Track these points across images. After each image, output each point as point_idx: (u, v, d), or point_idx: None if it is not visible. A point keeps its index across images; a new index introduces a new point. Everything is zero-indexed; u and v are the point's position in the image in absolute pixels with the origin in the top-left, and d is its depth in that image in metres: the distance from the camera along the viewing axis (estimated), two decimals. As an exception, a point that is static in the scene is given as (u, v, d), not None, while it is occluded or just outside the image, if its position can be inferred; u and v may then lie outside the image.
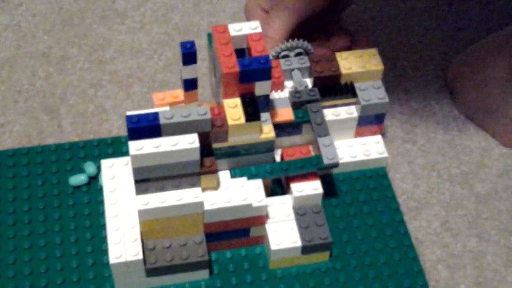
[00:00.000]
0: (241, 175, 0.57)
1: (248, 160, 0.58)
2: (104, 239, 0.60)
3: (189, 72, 0.59)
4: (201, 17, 0.80)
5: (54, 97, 0.72)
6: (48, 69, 0.74)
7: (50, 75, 0.74)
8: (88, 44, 0.77)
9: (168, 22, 0.79)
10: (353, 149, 0.65)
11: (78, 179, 0.63)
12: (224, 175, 0.57)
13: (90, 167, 0.63)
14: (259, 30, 0.57)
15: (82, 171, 0.64)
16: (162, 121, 0.52)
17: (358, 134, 0.65)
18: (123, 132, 0.70)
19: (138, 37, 0.78)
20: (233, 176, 0.57)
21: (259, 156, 0.58)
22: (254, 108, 0.55)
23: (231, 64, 0.54)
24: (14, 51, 0.76)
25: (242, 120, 0.55)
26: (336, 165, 0.57)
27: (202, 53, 0.75)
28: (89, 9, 0.80)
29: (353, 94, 0.63)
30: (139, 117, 0.53)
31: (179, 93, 0.61)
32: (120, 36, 0.78)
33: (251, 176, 0.57)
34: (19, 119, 0.70)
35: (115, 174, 0.58)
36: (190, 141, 0.52)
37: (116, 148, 0.65)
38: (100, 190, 0.63)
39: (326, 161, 0.57)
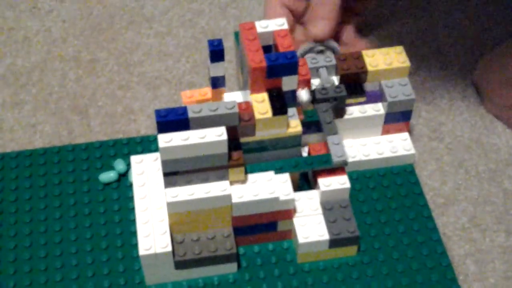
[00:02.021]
0: (259, 170, 0.57)
1: (275, 155, 0.58)
2: (133, 234, 0.60)
3: (216, 69, 0.60)
4: (227, 21, 0.81)
5: (84, 98, 0.73)
6: (77, 72, 0.76)
7: (80, 78, 0.75)
8: (116, 48, 0.78)
9: (194, 26, 0.81)
10: (380, 146, 0.65)
11: (108, 176, 0.64)
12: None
13: (119, 165, 0.64)
14: (286, 26, 0.58)
15: (112, 168, 0.65)
16: (190, 114, 0.53)
17: (385, 131, 0.65)
18: (151, 131, 0.71)
19: (165, 41, 0.79)
20: (253, 171, 0.57)
21: (286, 151, 0.58)
22: (281, 102, 0.56)
23: (258, 59, 0.54)
24: (45, 55, 0.78)
25: (269, 114, 0.55)
26: (345, 163, 0.58)
27: (228, 56, 0.76)
28: (118, 14, 0.82)
29: (361, 93, 0.63)
30: (168, 111, 0.53)
31: (207, 91, 0.62)
32: (148, 40, 0.79)
33: (267, 169, 0.57)
34: (49, 120, 0.72)
35: (144, 170, 0.59)
36: (218, 134, 0.53)
37: (145, 146, 0.66)
38: (129, 187, 0.64)
39: (335, 159, 0.58)
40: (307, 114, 0.61)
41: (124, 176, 0.64)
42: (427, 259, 0.59)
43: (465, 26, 0.79)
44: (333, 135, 0.59)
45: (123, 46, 0.78)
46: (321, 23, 0.68)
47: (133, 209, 0.62)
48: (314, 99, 0.61)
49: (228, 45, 0.77)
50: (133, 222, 0.61)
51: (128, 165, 0.65)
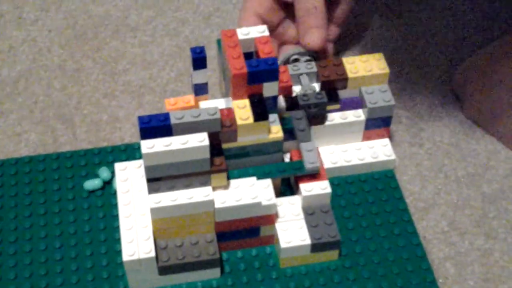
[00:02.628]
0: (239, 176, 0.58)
1: (257, 161, 0.59)
2: (117, 241, 0.61)
3: (199, 77, 0.61)
4: (211, 30, 0.82)
5: (69, 107, 0.74)
6: (63, 81, 0.77)
7: (65, 87, 0.76)
8: (101, 57, 0.79)
9: (178, 35, 0.81)
10: (361, 152, 0.66)
11: (92, 184, 0.64)
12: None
13: (104, 172, 0.65)
14: (267, 33, 0.59)
15: (96, 176, 0.65)
16: (173, 121, 0.54)
17: (366, 137, 0.67)
18: (135, 139, 0.71)
19: (150, 49, 0.80)
20: (235, 177, 0.58)
21: (268, 157, 0.59)
22: (262, 108, 0.56)
23: (240, 66, 0.55)
24: (30, 64, 0.78)
25: (251, 120, 0.56)
26: (317, 169, 0.59)
27: (212, 65, 0.76)
28: (102, 24, 0.83)
29: (336, 100, 0.64)
30: (151, 117, 0.54)
31: (190, 99, 0.62)
32: (133, 49, 0.80)
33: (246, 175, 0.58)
34: (35, 128, 0.72)
35: (128, 176, 0.60)
36: (200, 140, 0.53)
37: (130, 154, 0.67)
38: (114, 194, 0.64)
39: (308, 165, 0.59)
40: (285, 122, 0.62)
41: (108, 184, 0.65)
42: (407, 263, 0.60)
43: (445, 34, 0.80)
44: (307, 142, 0.60)
45: (108, 55, 0.79)
46: (316, 33, 0.69)
47: (117, 216, 0.63)
48: (295, 105, 0.62)
49: (212, 53, 0.78)
50: (117, 229, 0.62)
51: (113, 173, 0.65)
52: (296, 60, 0.68)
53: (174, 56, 0.79)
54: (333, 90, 0.64)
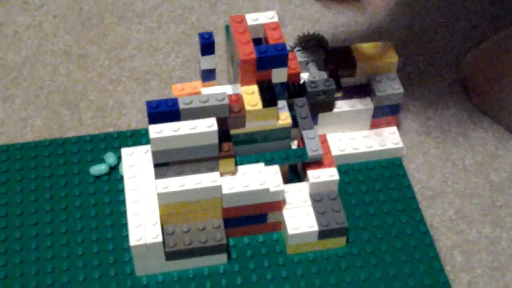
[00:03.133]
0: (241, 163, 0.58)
1: (264, 147, 0.59)
2: (124, 226, 0.61)
3: (207, 62, 0.61)
4: (217, 17, 0.81)
5: (75, 92, 0.74)
6: (68, 67, 0.76)
7: (71, 72, 0.76)
8: (107, 43, 0.79)
9: (185, 21, 0.81)
10: (369, 139, 0.66)
11: (98, 169, 0.64)
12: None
13: (110, 158, 0.64)
14: (276, 19, 0.58)
15: (102, 162, 0.65)
16: (181, 106, 0.54)
17: (374, 125, 0.66)
18: (142, 125, 0.71)
19: (155, 36, 0.80)
20: (242, 163, 0.58)
21: (276, 143, 0.59)
22: (271, 94, 0.56)
23: (248, 51, 0.55)
24: (36, 50, 0.78)
25: (259, 106, 0.56)
26: (319, 157, 0.58)
27: (218, 51, 0.76)
28: (108, 10, 0.82)
29: (339, 88, 0.63)
30: (159, 102, 0.54)
31: (197, 85, 0.62)
32: (138, 35, 0.80)
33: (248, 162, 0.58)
34: (40, 114, 0.72)
35: (135, 162, 0.60)
36: (208, 125, 0.53)
37: (136, 139, 0.67)
38: (120, 180, 0.64)
39: (310, 153, 0.58)
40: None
41: (114, 169, 0.65)
42: (415, 251, 0.60)
43: (453, 23, 0.80)
44: (308, 130, 0.59)
45: (113, 41, 0.79)
46: None
47: (123, 201, 0.62)
48: (304, 93, 0.62)
49: (218, 40, 0.78)
50: (123, 214, 0.62)
51: (119, 158, 0.65)
52: (312, 46, 0.67)
53: (180, 42, 0.79)
54: (337, 77, 0.64)
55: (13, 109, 0.72)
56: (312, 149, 0.59)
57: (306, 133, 0.59)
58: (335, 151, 0.65)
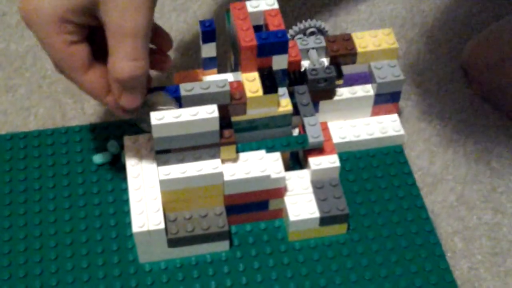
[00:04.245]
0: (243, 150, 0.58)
1: (265, 134, 0.59)
2: (126, 214, 0.61)
3: (208, 50, 0.61)
4: (219, 6, 0.82)
5: (77, 82, 0.74)
6: (71, 56, 0.76)
7: (73, 62, 0.76)
8: (109, 33, 0.79)
9: (186, 10, 0.81)
10: (370, 127, 0.66)
11: (101, 157, 0.64)
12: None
13: (113, 146, 0.65)
14: (276, 6, 0.59)
15: (105, 150, 0.65)
16: (182, 92, 0.54)
17: (375, 112, 0.66)
18: (144, 114, 0.71)
19: (158, 25, 0.80)
20: (244, 150, 0.58)
21: (277, 130, 0.59)
22: (272, 81, 0.56)
23: (249, 38, 0.55)
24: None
25: (260, 92, 0.56)
26: (320, 144, 0.59)
27: (219, 40, 0.76)
28: None
29: (339, 76, 0.64)
30: (161, 89, 0.54)
31: (199, 73, 0.62)
32: (141, 25, 0.80)
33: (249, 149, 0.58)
34: (43, 103, 0.72)
35: (137, 150, 0.60)
36: (210, 111, 0.54)
37: (138, 128, 0.67)
38: (123, 168, 0.64)
39: (311, 139, 0.59)
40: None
41: (117, 158, 0.65)
42: (415, 237, 0.60)
43: (454, 10, 0.80)
44: (310, 117, 0.59)
45: (115, 30, 0.79)
46: None
47: (126, 189, 0.63)
48: (305, 80, 0.62)
49: (220, 29, 0.78)
50: (126, 202, 0.62)
51: (121, 147, 0.65)
52: (312, 33, 0.67)
53: (182, 31, 0.79)
54: (338, 65, 0.64)
55: (16, 98, 0.73)
56: (313, 136, 0.59)
57: (307, 120, 0.60)
58: (336, 138, 0.65)
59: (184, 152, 0.56)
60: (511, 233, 0.62)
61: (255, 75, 0.57)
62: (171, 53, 0.77)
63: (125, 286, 0.57)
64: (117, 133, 0.67)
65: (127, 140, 0.61)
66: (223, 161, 0.57)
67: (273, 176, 0.57)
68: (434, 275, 0.58)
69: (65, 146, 0.66)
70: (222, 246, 0.59)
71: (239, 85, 0.56)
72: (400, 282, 0.57)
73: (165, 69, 0.57)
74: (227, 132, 0.56)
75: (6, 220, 0.61)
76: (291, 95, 0.61)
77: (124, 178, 0.64)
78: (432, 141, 0.69)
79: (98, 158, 0.64)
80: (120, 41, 0.50)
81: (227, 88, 0.54)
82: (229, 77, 0.62)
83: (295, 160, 0.64)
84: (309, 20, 0.67)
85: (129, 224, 0.60)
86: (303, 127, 0.60)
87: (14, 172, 0.64)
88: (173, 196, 0.57)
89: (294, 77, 0.62)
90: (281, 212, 0.61)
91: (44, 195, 0.62)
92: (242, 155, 0.58)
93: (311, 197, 0.59)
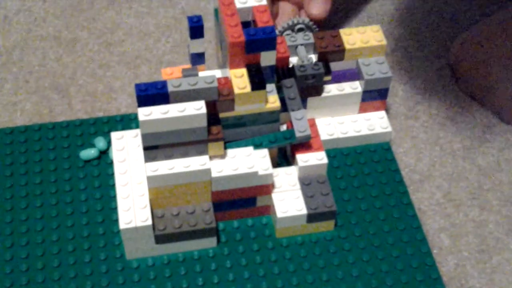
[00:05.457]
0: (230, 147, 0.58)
1: (253, 131, 0.59)
2: (113, 210, 0.61)
3: (196, 46, 0.61)
4: (207, 2, 0.81)
5: (64, 77, 0.74)
6: (58, 51, 0.76)
7: (60, 57, 0.76)
8: (97, 28, 0.79)
9: (174, 6, 0.81)
10: (358, 124, 0.66)
11: (88, 153, 0.64)
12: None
13: (100, 142, 0.65)
14: (264, 2, 0.58)
15: (92, 146, 0.65)
16: (170, 88, 0.54)
17: (362, 109, 0.67)
18: (131, 110, 0.71)
19: (145, 20, 0.79)
20: (232, 146, 0.58)
21: (265, 127, 0.59)
22: (260, 77, 0.56)
23: (237, 34, 0.55)
24: (25, 35, 0.78)
25: (248, 89, 0.56)
26: (308, 137, 0.59)
27: (207, 36, 0.76)
28: (98, -5, 0.82)
29: (328, 72, 0.64)
30: (148, 85, 0.54)
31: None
32: (128, 20, 0.79)
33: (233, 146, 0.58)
34: (30, 98, 0.72)
35: (125, 146, 0.60)
36: (197, 108, 0.53)
37: (126, 124, 0.67)
38: (110, 164, 0.64)
39: (298, 134, 0.59)
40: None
41: (104, 154, 0.65)
42: (402, 234, 0.60)
43: (442, 8, 0.80)
44: (297, 111, 0.59)
45: (103, 25, 0.79)
46: (321, 4, 0.69)
47: (113, 185, 0.63)
48: (293, 76, 0.62)
49: (208, 25, 0.78)
50: (113, 198, 0.62)
51: (109, 143, 0.65)
52: (301, 29, 0.67)
53: (170, 27, 0.79)
54: (326, 61, 0.64)
55: (3, 93, 0.72)
56: (300, 130, 0.59)
57: (294, 114, 0.60)
58: (324, 135, 0.65)
59: (172, 148, 0.55)
60: (498, 230, 0.63)
61: (243, 71, 0.57)
62: (159, 48, 0.77)
63: (112, 282, 0.57)
64: (105, 129, 0.67)
65: (115, 136, 0.60)
66: (211, 158, 0.57)
67: (261, 172, 0.57)
68: (421, 271, 0.58)
69: (52, 142, 0.66)
70: (209, 243, 0.59)
71: (227, 81, 0.56)
72: (387, 279, 0.57)
73: None
74: (215, 129, 0.56)
75: (-8, 216, 0.61)
76: (279, 90, 0.61)
77: (111, 174, 0.63)
78: (419, 138, 0.69)
79: (85, 154, 0.64)
80: None
81: (215, 84, 0.54)
82: (217, 73, 0.62)
83: (283, 157, 0.64)
84: (297, 16, 0.67)
85: (116, 221, 0.60)
86: (291, 123, 0.60)
87: (0, 168, 0.64)
88: (161, 192, 0.56)
89: (283, 74, 0.62)
90: (268, 209, 0.61)
91: (30, 191, 0.62)
92: (230, 151, 0.58)
93: (299, 194, 0.59)
